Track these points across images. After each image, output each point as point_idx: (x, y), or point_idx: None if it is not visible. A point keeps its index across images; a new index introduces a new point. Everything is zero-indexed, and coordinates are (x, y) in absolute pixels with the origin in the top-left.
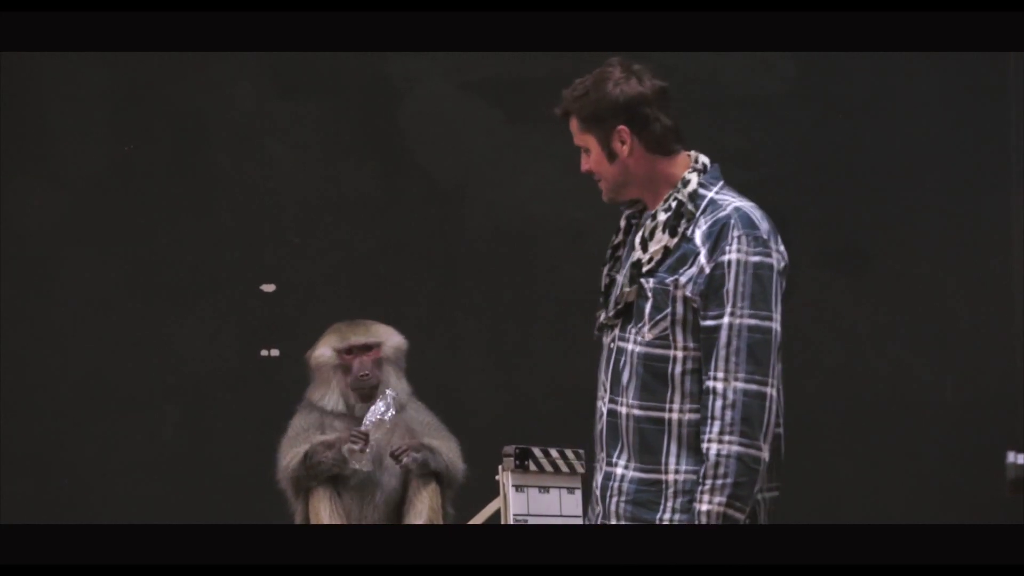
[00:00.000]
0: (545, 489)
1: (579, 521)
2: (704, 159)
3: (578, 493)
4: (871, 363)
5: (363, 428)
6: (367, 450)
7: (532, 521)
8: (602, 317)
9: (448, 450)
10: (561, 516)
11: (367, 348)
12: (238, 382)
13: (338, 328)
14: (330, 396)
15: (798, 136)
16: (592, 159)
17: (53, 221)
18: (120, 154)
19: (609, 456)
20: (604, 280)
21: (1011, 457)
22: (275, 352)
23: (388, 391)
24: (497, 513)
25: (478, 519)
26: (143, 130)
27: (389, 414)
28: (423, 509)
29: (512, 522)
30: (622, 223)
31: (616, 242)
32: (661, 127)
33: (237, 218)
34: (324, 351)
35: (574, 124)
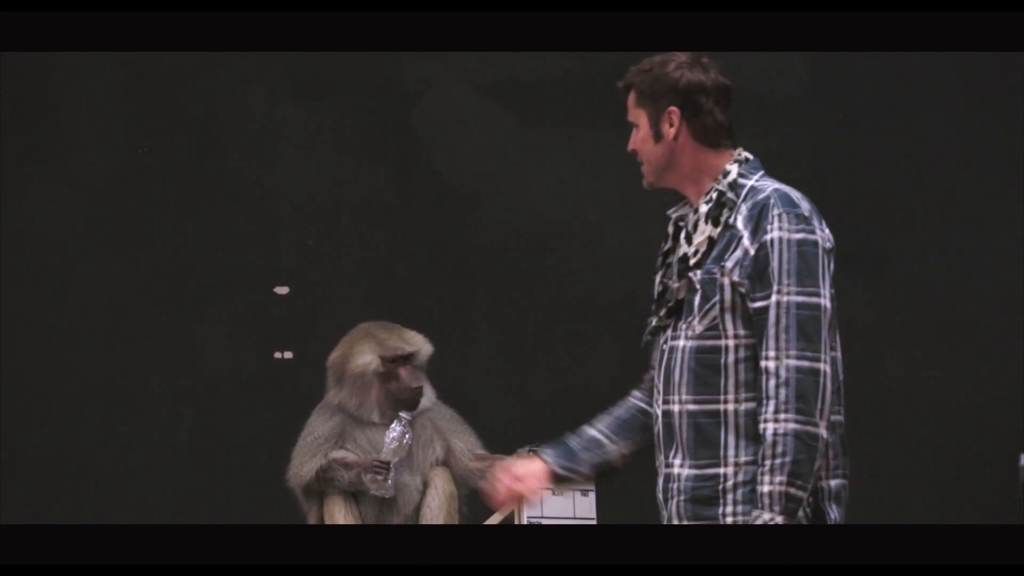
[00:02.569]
0: (558, 492)
1: (592, 524)
2: (747, 154)
3: (591, 495)
4: (885, 365)
5: (384, 456)
6: (389, 480)
7: (545, 524)
8: (654, 321)
9: (470, 446)
10: (574, 518)
11: (409, 357)
12: (252, 384)
13: (371, 333)
14: (368, 406)
15: (812, 138)
16: (639, 137)
17: (67, 224)
18: (134, 157)
19: (666, 458)
20: (657, 288)
21: None
22: (288, 355)
23: (402, 414)
24: (511, 516)
25: (492, 521)
26: (157, 133)
27: (407, 437)
28: (440, 515)
29: (526, 524)
30: (670, 228)
31: (666, 248)
32: (713, 120)
33: (251, 221)
34: (369, 359)
35: (631, 98)
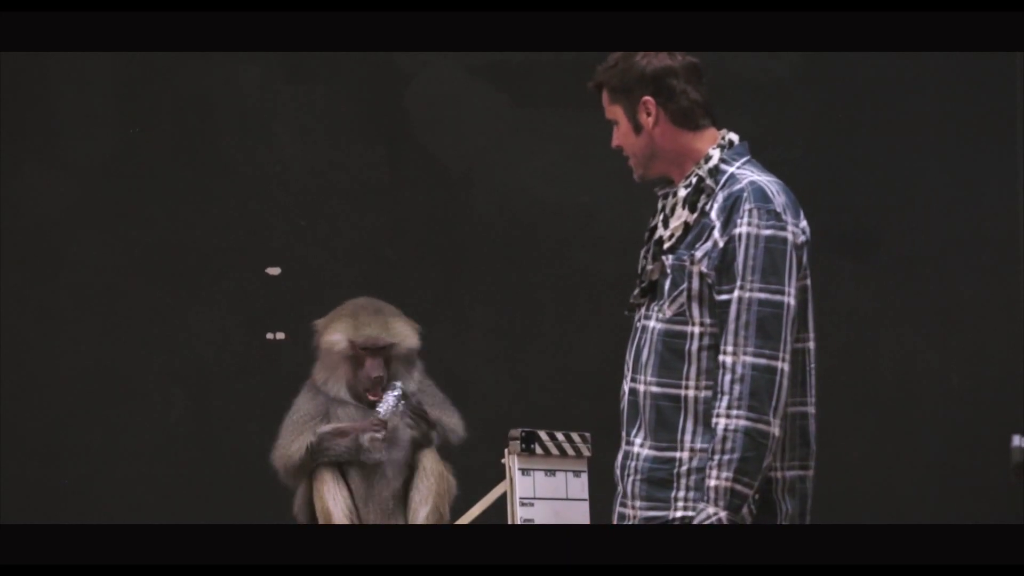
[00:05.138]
0: (551, 472)
1: (585, 504)
2: (732, 136)
3: (584, 476)
4: (877, 348)
5: (381, 417)
6: (383, 440)
7: (538, 504)
8: (631, 298)
9: (449, 418)
10: (567, 499)
11: (383, 348)
12: (244, 366)
13: (355, 313)
14: (335, 383)
15: (805, 122)
16: (620, 132)
17: (59, 206)
18: (127, 139)
19: (628, 434)
20: (641, 262)
21: (1016, 441)
22: (281, 336)
23: (396, 383)
24: (503, 496)
25: (484, 502)
26: (149, 115)
27: (401, 404)
28: (430, 496)
29: (518, 505)
30: (658, 205)
31: (652, 224)
32: (688, 100)
33: (243, 202)
34: (338, 339)
35: (604, 96)
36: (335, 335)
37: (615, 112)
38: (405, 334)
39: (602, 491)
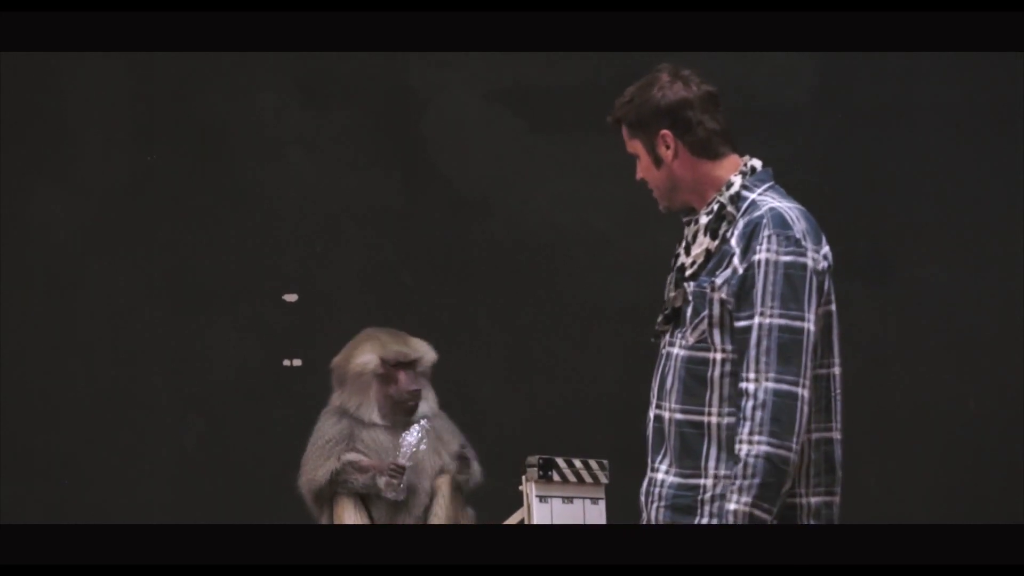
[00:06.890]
0: (569, 499)
1: None
2: (755, 162)
3: (602, 503)
4: (893, 372)
5: (400, 460)
6: (402, 484)
7: None
8: (656, 326)
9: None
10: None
11: (411, 363)
12: (260, 391)
13: (375, 336)
14: (367, 407)
15: (820, 145)
16: (642, 166)
17: (75, 229)
18: (142, 163)
19: (653, 461)
20: (667, 290)
21: None
22: (297, 362)
23: (423, 420)
24: (520, 523)
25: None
26: (166, 138)
27: (423, 445)
28: (446, 521)
29: None
30: (685, 232)
31: (677, 251)
32: (705, 131)
33: (259, 227)
34: (369, 358)
35: (624, 131)
36: (364, 356)
37: (635, 147)
38: (425, 349)
39: (619, 518)
